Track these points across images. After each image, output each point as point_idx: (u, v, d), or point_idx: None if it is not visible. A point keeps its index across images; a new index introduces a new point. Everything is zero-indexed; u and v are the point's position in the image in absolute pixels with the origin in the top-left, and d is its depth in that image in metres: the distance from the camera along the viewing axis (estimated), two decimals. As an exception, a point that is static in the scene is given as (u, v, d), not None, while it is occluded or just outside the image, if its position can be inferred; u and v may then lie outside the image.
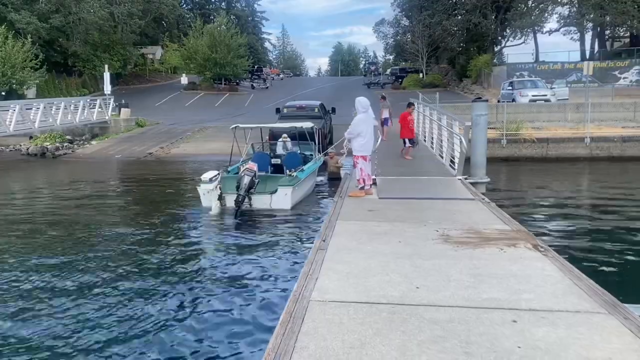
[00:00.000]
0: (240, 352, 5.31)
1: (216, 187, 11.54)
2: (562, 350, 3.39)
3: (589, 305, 4.17)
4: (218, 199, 11.49)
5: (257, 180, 11.35)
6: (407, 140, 13.76)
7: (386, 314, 4.01)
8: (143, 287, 7.19)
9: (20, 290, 7.14)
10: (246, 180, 11.12)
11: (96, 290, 7.07)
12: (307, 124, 14.03)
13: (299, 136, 14.75)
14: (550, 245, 6.19)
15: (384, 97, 19.12)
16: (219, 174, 11.82)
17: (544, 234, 9.47)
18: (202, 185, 11.60)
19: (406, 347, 3.43)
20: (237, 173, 12.34)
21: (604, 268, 7.73)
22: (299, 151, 14.29)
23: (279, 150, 14.97)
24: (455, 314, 3.99)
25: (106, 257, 8.62)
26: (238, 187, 11.16)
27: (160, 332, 5.78)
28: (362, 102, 9.40)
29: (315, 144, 14.35)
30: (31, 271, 7.90)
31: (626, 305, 4.22)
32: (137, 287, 7.18)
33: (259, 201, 11.48)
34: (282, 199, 11.46)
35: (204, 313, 6.29)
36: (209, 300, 6.67)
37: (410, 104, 14.88)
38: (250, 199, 11.33)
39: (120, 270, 7.88)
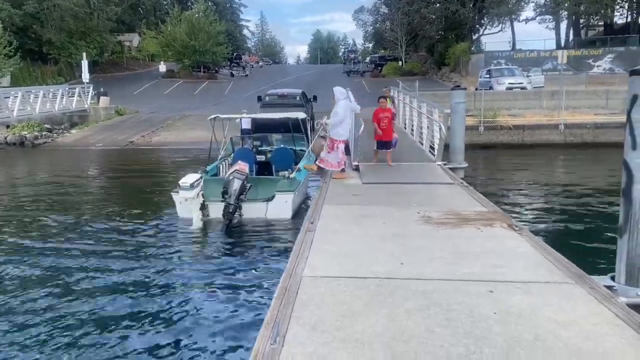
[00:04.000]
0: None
1: (198, 195, 9.53)
2: (533, 314, 3.75)
3: (558, 277, 4.55)
4: (200, 209, 9.56)
5: (249, 185, 9.48)
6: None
7: (374, 287, 4.32)
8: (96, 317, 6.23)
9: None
10: (236, 185, 9.19)
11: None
12: (298, 114, 12.16)
13: (284, 128, 12.98)
14: (524, 225, 6.59)
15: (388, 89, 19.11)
16: (201, 177, 9.81)
17: (519, 215, 9.95)
18: (180, 193, 9.39)
19: (394, 315, 3.76)
20: (216, 174, 10.83)
21: (573, 244, 8.22)
22: (281, 144, 12.33)
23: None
24: (437, 286, 4.33)
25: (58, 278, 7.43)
26: (225, 194, 9.25)
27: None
28: (340, 90, 9.97)
29: (307, 137, 12.37)
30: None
31: (592, 276, 4.62)
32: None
33: (252, 210, 9.55)
34: (281, 207, 9.57)
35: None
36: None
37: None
38: (240, 207, 9.40)
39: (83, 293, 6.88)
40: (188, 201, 9.43)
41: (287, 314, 3.76)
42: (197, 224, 9.42)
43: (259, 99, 22.73)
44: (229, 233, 9.12)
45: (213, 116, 11.82)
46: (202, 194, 9.61)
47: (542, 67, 37.89)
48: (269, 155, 11.82)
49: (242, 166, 9.63)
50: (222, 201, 9.36)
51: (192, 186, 9.34)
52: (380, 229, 6.21)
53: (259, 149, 12.40)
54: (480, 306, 3.91)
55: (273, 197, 9.71)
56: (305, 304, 3.98)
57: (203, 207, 9.62)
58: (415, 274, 4.65)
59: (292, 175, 10.24)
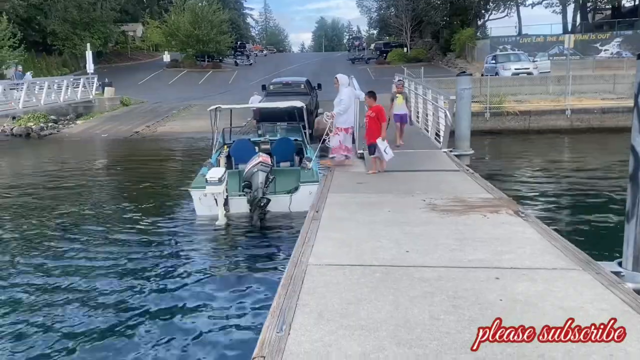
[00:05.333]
0: None
1: (225, 190, 8.94)
2: (539, 301, 3.74)
3: (564, 263, 4.53)
4: (224, 204, 9.01)
5: (272, 177, 9.11)
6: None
7: (379, 274, 4.32)
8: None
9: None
10: (261, 177, 8.75)
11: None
12: (295, 103, 11.82)
13: (288, 117, 12.78)
14: (530, 211, 6.56)
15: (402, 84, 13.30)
16: (226, 170, 9.24)
17: (525, 201, 9.90)
18: (208, 188, 8.70)
19: (399, 302, 3.76)
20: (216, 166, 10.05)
21: (580, 230, 8.19)
22: (278, 135, 11.92)
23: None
24: (443, 273, 4.32)
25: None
26: (247, 187, 8.87)
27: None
28: (343, 78, 9.98)
29: (306, 127, 11.91)
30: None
31: (599, 262, 4.59)
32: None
33: (274, 203, 9.09)
34: (306, 198, 8.75)
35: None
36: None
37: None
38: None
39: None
40: (207, 197, 8.86)
41: (293, 302, 3.77)
42: (222, 220, 8.92)
43: (264, 87, 22.64)
44: (260, 227, 8.75)
45: (214, 107, 11.34)
46: (227, 189, 9.05)
47: (549, 52, 37.51)
48: (262, 145, 11.18)
49: (265, 158, 9.13)
50: (243, 195, 8.96)
51: (220, 180, 8.70)
52: (385, 216, 6.21)
53: (252, 140, 11.88)
54: (486, 293, 3.90)
55: (297, 188, 9.33)
56: (310, 292, 3.98)
57: (225, 203, 9.07)
58: (421, 261, 4.64)
59: (310, 166, 9.88)
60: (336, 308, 3.68)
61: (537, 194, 11.48)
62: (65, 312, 6.13)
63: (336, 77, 9.95)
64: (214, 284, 6.81)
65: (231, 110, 12.09)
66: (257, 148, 10.92)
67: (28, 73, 30.45)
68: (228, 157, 10.93)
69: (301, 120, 12.07)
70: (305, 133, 11.82)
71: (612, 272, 4.40)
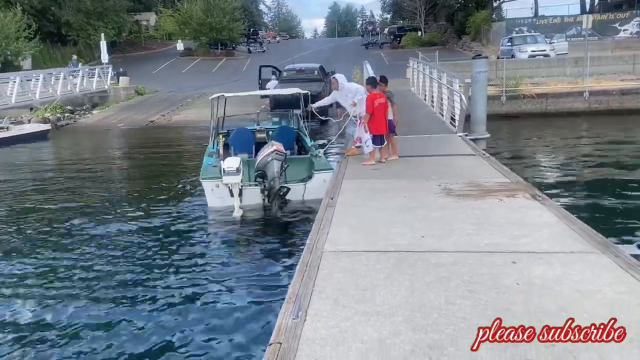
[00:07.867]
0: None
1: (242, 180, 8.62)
2: (556, 285, 3.71)
3: (582, 246, 4.48)
4: (239, 195, 8.68)
5: (286, 166, 8.72)
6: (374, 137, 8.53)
7: (394, 260, 4.32)
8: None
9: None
10: (277, 166, 8.39)
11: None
12: (298, 90, 11.37)
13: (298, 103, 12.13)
14: (547, 195, 6.48)
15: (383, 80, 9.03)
16: (241, 160, 8.74)
17: (543, 185, 9.79)
18: (225, 178, 8.38)
19: (415, 287, 3.75)
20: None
21: (599, 213, 8.09)
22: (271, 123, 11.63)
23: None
24: (459, 258, 4.31)
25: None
26: (261, 177, 8.65)
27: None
28: (343, 77, 9.91)
29: (305, 116, 11.38)
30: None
31: (618, 245, 4.54)
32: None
33: (288, 192, 8.75)
34: (321, 186, 8.48)
35: None
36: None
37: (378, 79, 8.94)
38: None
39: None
40: (220, 187, 8.64)
41: (308, 289, 3.79)
42: (238, 211, 8.64)
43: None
44: (279, 216, 8.62)
45: (216, 95, 11.06)
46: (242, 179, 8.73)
47: (566, 34, 36.81)
48: (258, 134, 10.80)
49: (279, 146, 8.74)
50: (256, 185, 8.83)
51: (238, 170, 8.36)
52: (400, 202, 6.19)
53: (249, 128, 11.41)
54: (502, 277, 3.88)
55: (310, 176, 9.06)
56: (326, 278, 4.00)
57: (240, 194, 8.74)
58: (436, 246, 4.63)
59: (321, 154, 9.60)
60: (352, 294, 3.69)
61: (555, 177, 11.37)
62: (79, 300, 6.21)
63: (334, 78, 9.79)
64: (230, 272, 6.86)
65: (225, 99, 11.68)
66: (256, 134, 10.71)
67: (80, 64, 34.64)
68: (226, 146, 10.67)
69: (298, 107, 11.71)
70: (304, 121, 11.49)
71: (631, 255, 4.34)
